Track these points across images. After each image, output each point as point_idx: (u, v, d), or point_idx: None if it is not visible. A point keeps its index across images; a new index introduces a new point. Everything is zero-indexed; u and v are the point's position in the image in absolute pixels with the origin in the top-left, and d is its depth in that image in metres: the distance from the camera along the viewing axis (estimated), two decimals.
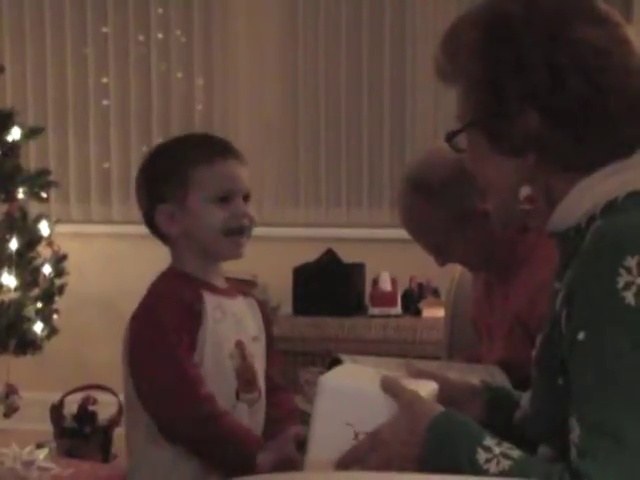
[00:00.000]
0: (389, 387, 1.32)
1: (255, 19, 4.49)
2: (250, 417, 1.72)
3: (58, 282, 3.99)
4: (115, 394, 3.61)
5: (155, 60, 4.55)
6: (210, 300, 1.72)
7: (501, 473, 1.17)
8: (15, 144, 3.82)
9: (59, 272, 3.99)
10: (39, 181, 3.91)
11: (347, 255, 4.13)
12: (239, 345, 1.73)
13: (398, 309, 3.98)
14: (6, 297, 3.71)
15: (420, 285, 4.06)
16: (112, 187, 4.56)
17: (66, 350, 4.25)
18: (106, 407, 3.74)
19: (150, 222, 1.77)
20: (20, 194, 3.83)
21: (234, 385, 1.70)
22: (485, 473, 1.18)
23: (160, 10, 4.54)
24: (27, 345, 3.83)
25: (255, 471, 1.56)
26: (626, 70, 1.24)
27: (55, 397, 3.86)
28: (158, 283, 1.76)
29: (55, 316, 3.95)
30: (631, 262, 1.13)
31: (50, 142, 4.57)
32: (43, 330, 3.85)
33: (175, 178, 1.72)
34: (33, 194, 3.90)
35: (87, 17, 4.54)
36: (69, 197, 4.62)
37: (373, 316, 3.92)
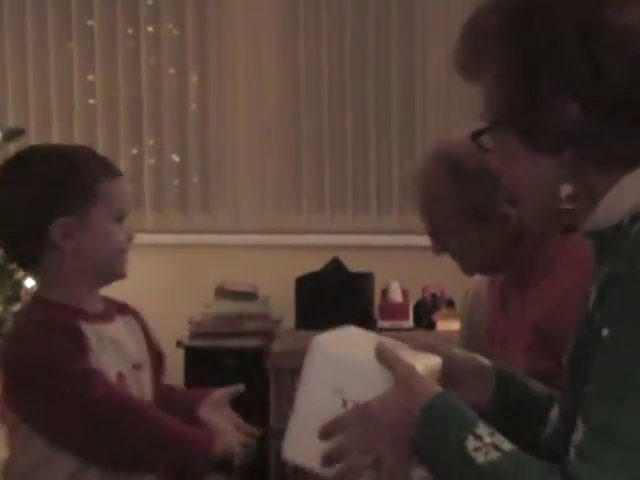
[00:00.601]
0: (384, 357, 1.32)
1: (253, 9, 4.48)
2: None
3: None
4: None
5: (145, 55, 4.54)
6: (86, 330, 1.71)
7: (489, 464, 1.19)
8: None
9: None
10: None
11: (354, 264, 4.13)
12: (119, 378, 1.73)
13: (410, 322, 3.97)
14: None
15: (433, 296, 4.05)
16: None
17: None
18: None
19: (15, 238, 1.73)
20: None
21: None
22: (472, 462, 1.20)
23: (150, 1, 4.54)
24: None
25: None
26: None
27: None
28: (29, 316, 1.75)
29: None
30: None
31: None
32: None
33: (81, 190, 1.71)
34: None
35: (71, 9, 4.53)
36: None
37: (383, 330, 3.91)
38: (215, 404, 1.81)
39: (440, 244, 2.04)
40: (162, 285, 4.38)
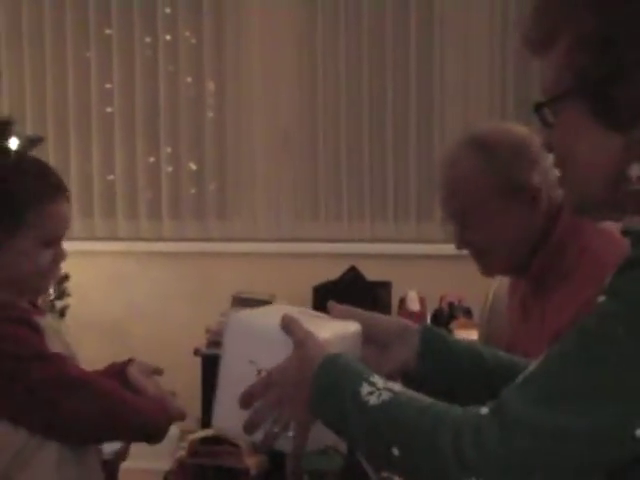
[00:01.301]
0: (287, 325, 1.36)
1: (270, 17, 4.49)
2: None
3: (59, 304, 3.99)
4: None
5: (162, 63, 4.56)
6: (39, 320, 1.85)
7: (382, 403, 1.22)
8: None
9: (60, 293, 3.99)
10: None
11: (371, 272, 4.12)
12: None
13: None
14: None
15: (451, 305, 4.04)
16: (117, 201, 4.56)
17: None
18: None
19: None
20: None
21: None
22: (365, 405, 1.22)
23: (167, 10, 4.56)
24: None
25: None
26: None
27: None
28: None
29: None
30: None
31: (50, 153, 4.58)
32: None
33: (6, 220, 1.80)
34: None
35: (89, 18, 4.55)
36: (71, 212, 4.63)
37: None
38: (142, 369, 1.91)
39: (467, 233, 2.02)
40: (179, 293, 4.38)
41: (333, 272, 4.10)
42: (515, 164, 1.95)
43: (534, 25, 1.26)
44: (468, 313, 3.99)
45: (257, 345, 1.40)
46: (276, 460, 2.19)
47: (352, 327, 1.47)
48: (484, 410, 1.16)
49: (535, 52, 1.26)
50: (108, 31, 4.58)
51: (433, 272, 4.16)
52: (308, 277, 4.10)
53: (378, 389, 1.24)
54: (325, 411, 1.29)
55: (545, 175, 1.93)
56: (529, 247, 1.98)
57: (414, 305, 3.98)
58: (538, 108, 1.26)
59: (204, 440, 2.24)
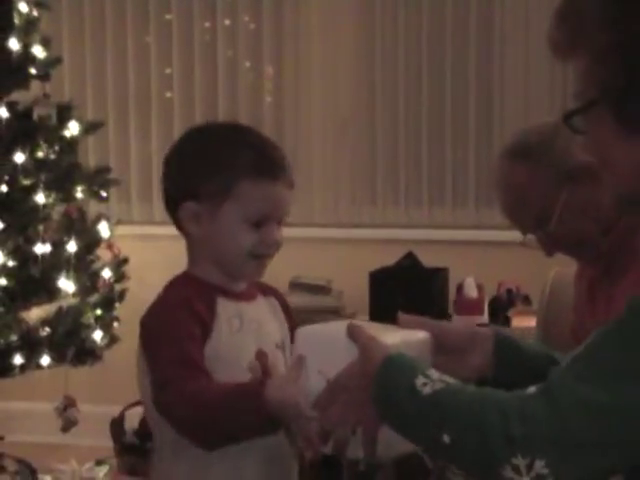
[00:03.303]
0: (352, 333, 1.40)
1: (330, 3, 4.48)
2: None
3: (118, 287, 4.02)
4: None
5: (222, 49, 4.58)
6: (226, 308, 1.70)
7: (434, 393, 1.25)
8: (73, 140, 3.87)
9: (120, 277, 4.03)
10: (98, 179, 3.95)
11: (429, 259, 4.11)
12: (260, 355, 1.72)
13: (485, 318, 3.94)
14: (64, 303, 3.77)
15: (509, 292, 4.01)
16: None
17: (127, 360, 4.26)
18: None
19: (171, 206, 1.74)
20: (78, 193, 3.88)
21: None
22: (418, 394, 1.26)
23: None
24: (86, 355, 3.87)
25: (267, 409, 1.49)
26: None
27: (115, 410, 3.90)
28: (170, 290, 1.75)
29: (115, 324, 3.98)
30: None
31: (110, 137, 4.63)
32: (103, 339, 3.90)
33: (218, 181, 1.68)
34: (92, 193, 3.94)
35: (149, 4, 4.58)
36: (130, 196, 4.67)
37: None
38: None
39: (550, 238, 2.01)
40: None
41: (390, 258, 4.09)
42: (560, 149, 1.94)
43: (559, 31, 1.29)
44: (526, 300, 3.96)
45: (325, 356, 1.43)
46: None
47: (419, 335, 1.49)
48: (532, 389, 1.19)
49: (561, 56, 1.30)
50: (168, 16, 4.61)
51: (491, 259, 4.13)
52: (365, 263, 4.10)
53: (432, 380, 1.26)
54: (384, 406, 1.31)
55: None
56: (603, 227, 1.96)
57: (472, 292, 3.96)
58: (567, 117, 1.30)
59: None
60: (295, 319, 1.85)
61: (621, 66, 1.22)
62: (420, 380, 1.26)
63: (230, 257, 1.72)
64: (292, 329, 1.77)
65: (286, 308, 1.86)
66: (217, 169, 1.70)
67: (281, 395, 1.48)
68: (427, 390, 1.25)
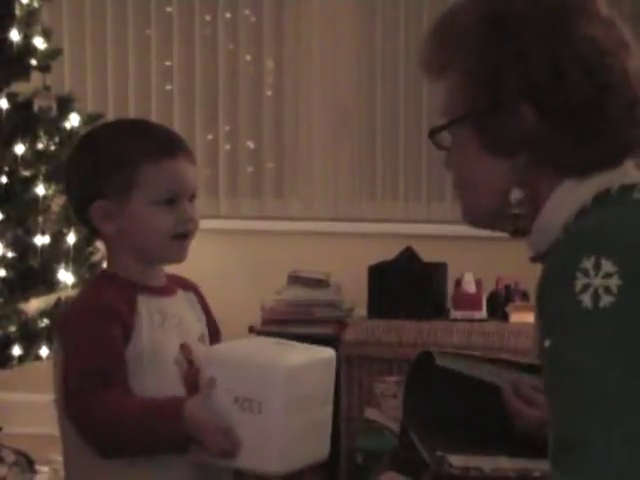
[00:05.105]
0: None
1: None
2: None
3: None
4: None
5: (222, 42, 4.57)
6: (147, 305, 1.72)
7: None
8: (73, 132, 3.87)
9: None
10: None
11: (427, 253, 4.11)
12: (184, 349, 1.73)
13: (483, 313, 3.94)
14: (63, 295, 3.77)
15: (507, 287, 4.01)
16: None
17: None
18: None
19: (81, 212, 1.76)
20: None
21: (182, 392, 1.69)
22: None
23: None
24: None
25: (187, 421, 1.59)
26: (625, 72, 1.28)
27: None
28: (88, 291, 1.79)
29: None
30: (587, 264, 1.16)
31: None
32: None
33: (120, 175, 1.71)
34: None
35: None
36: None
37: (455, 320, 3.88)
38: None
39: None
40: (235, 270, 4.41)
41: (389, 252, 4.09)
42: None
43: (430, 51, 1.36)
44: (524, 296, 3.96)
45: (233, 373, 1.56)
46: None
47: (324, 354, 1.58)
48: None
49: (431, 75, 1.37)
50: (168, 9, 4.60)
51: (490, 254, 4.13)
52: (364, 257, 4.10)
53: None
54: None
55: None
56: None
57: (470, 287, 3.97)
58: (432, 134, 1.38)
59: None
60: (212, 314, 1.87)
61: (488, 85, 1.28)
62: None
63: (150, 243, 1.73)
64: (210, 325, 1.84)
65: (205, 305, 1.87)
66: (117, 162, 1.72)
67: (197, 416, 1.58)
68: None
